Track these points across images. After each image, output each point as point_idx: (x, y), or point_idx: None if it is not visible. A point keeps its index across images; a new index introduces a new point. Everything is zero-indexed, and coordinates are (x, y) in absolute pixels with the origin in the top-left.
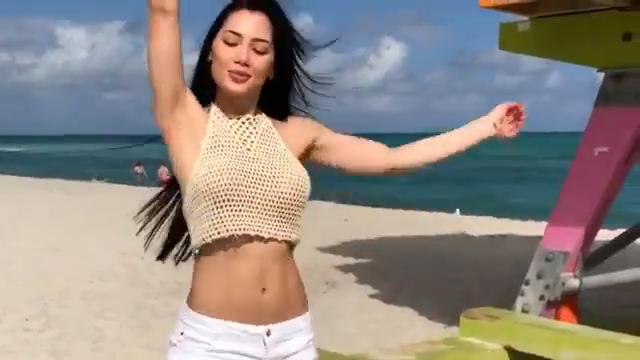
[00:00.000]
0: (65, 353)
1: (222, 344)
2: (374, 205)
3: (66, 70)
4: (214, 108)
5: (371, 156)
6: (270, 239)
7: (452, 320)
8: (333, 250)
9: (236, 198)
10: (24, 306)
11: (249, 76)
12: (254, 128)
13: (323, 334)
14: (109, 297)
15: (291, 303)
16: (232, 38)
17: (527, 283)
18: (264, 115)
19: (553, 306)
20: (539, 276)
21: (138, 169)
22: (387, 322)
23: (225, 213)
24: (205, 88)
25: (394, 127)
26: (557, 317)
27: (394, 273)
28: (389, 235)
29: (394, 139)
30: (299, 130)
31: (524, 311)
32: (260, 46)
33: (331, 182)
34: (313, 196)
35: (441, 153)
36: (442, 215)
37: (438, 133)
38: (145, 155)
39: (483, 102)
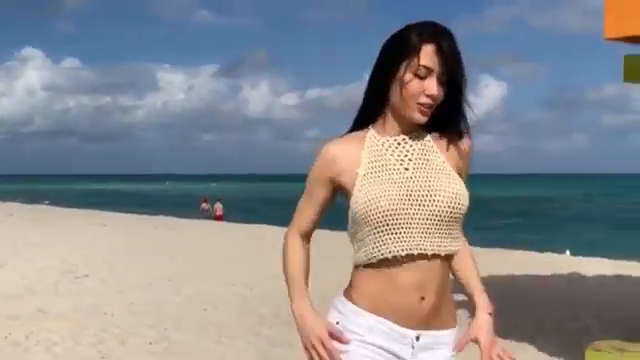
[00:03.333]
0: None
1: (373, 338)
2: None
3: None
4: (371, 132)
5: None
6: (433, 255)
7: (573, 356)
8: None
9: (395, 222)
10: (145, 331)
11: (433, 107)
12: (411, 145)
13: None
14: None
15: (443, 315)
16: (424, 72)
17: None
18: (423, 130)
19: None
20: None
21: (205, 205)
22: None
23: (386, 237)
24: (373, 110)
25: (496, 168)
26: None
27: (508, 309)
28: (499, 274)
29: (496, 180)
30: (458, 146)
31: None
32: (444, 78)
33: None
34: None
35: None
36: (553, 255)
37: (541, 176)
38: (207, 192)
39: (589, 142)
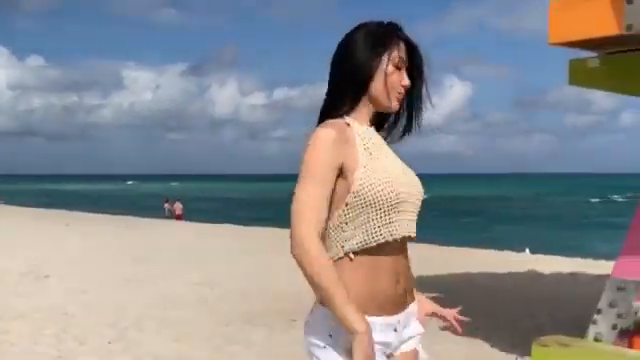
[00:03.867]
0: None
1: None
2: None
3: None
4: (348, 119)
5: None
6: (403, 237)
7: (525, 352)
8: None
9: (403, 205)
10: (105, 331)
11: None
12: (377, 135)
13: None
14: (184, 323)
15: (410, 291)
16: (401, 64)
17: (599, 312)
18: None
19: (626, 335)
20: (611, 305)
21: (167, 205)
22: (461, 353)
23: (395, 219)
24: (349, 101)
25: (460, 168)
26: (630, 346)
27: (465, 307)
28: (459, 272)
29: (461, 180)
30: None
31: (596, 340)
32: (408, 71)
33: None
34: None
35: None
36: (512, 254)
37: (504, 175)
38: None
39: (553, 141)
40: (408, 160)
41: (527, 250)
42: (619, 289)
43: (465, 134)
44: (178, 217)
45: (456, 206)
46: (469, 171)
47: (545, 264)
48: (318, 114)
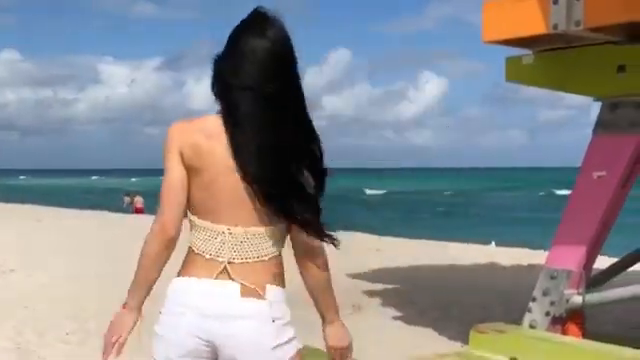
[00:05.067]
0: None
1: None
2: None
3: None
4: None
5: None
6: None
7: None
8: (362, 277)
9: None
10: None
11: None
12: None
13: None
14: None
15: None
16: None
17: (534, 300)
18: None
19: (559, 322)
20: (545, 293)
21: (127, 199)
22: (407, 341)
23: None
24: None
25: (436, 162)
26: (563, 333)
27: (419, 298)
28: (419, 264)
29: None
30: None
31: (531, 327)
32: None
33: (364, 213)
34: (347, 227)
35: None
36: (475, 247)
37: (481, 169)
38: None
39: (525, 137)
40: (387, 154)
41: (493, 243)
42: (552, 278)
43: (439, 129)
44: (138, 210)
45: (430, 199)
46: (441, 165)
47: (507, 257)
48: None
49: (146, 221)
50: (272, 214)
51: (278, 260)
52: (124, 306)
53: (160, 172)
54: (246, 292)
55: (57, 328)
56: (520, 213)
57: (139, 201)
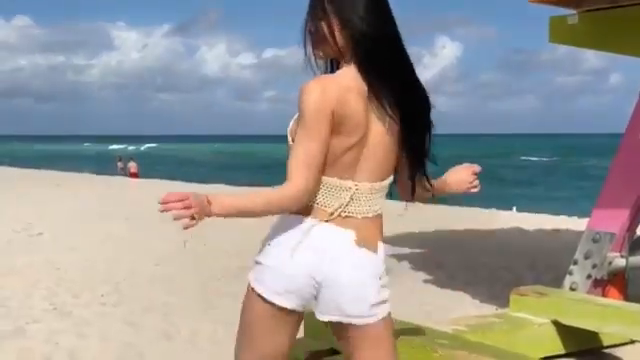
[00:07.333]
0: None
1: None
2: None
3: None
4: None
5: None
6: None
7: (504, 304)
8: (389, 241)
9: None
10: (97, 285)
11: None
12: None
13: None
14: (175, 278)
15: None
16: None
17: (575, 263)
18: None
19: (600, 285)
20: (587, 256)
21: (120, 164)
22: (440, 304)
23: None
24: None
25: (452, 128)
26: (604, 295)
27: (448, 262)
28: (442, 229)
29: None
30: None
31: (572, 289)
32: None
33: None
34: None
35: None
36: (497, 212)
37: (496, 135)
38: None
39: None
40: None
41: (514, 209)
42: (594, 240)
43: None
44: (133, 175)
45: (449, 165)
46: (458, 131)
47: (530, 222)
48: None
49: (158, 186)
50: (395, 165)
51: (381, 217)
52: (209, 200)
53: (174, 138)
54: (362, 242)
55: (91, 290)
56: (538, 178)
57: (133, 166)
